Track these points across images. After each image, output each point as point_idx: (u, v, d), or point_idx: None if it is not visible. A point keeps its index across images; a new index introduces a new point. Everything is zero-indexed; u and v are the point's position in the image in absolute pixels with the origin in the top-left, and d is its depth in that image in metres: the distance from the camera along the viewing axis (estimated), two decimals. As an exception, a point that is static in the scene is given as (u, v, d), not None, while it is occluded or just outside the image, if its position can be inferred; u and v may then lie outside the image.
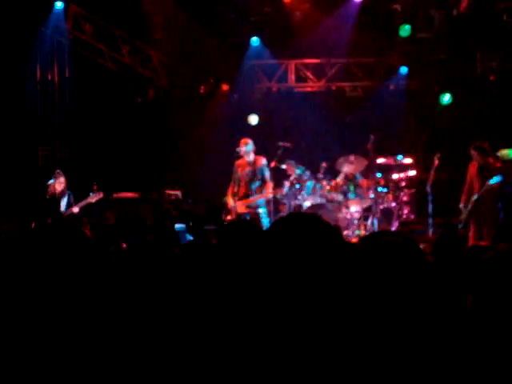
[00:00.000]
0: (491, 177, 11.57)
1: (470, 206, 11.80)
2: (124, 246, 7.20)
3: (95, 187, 12.51)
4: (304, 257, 2.50)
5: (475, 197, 11.69)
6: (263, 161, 12.86)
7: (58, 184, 12.58)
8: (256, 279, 2.67)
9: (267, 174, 12.83)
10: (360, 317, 2.68)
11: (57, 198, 12.55)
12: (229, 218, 12.71)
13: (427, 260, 3.69)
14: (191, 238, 13.41)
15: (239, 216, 12.61)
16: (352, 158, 14.12)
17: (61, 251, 3.06)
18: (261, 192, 12.81)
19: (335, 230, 2.69)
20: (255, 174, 12.78)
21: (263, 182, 12.78)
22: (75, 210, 12.42)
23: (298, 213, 3.32)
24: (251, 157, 12.83)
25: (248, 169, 12.76)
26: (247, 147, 12.82)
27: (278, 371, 2.47)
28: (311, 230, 2.57)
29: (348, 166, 14.15)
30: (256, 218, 12.41)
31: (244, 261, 3.45)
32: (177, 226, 13.73)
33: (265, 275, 2.57)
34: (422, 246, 8.69)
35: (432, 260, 4.14)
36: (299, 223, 2.61)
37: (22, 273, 3.05)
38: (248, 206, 12.74)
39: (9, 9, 13.53)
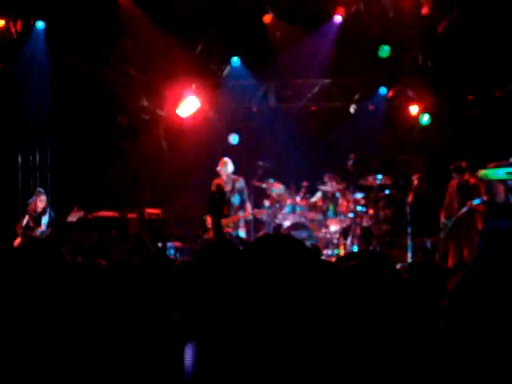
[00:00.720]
0: (470, 195, 11.74)
1: (450, 224, 11.93)
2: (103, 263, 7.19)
3: (76, 207, 12.51)
4: (279, 278, 2.51)
5: (457, 215, 11.82)
6: (241, 181, 12.95)
7: (39, 202, 12.57)
8: (232, 299, 2.68)
9: (245, 194, 12.91)
10: (336, 334, 2.70)
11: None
12: (206, 236, 12.74)
13: (401, 279, 3.71)
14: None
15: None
16: (331, 177, 14.19)
17: (38, 270, 3.07)
18: (239, 212, 12.87)
19: (311, 251, 2.71)
20: (233, 193, 12.84)
21: (241, 202, 12.84)
22: (47, 231, 12.38)
23: (272, 234, 3.33)
24: (230, 177, 12.91)
25: (227, 189, 12.83)
26: (226, 167, 12.89)
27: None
28: (286, 251, 2.58)
29: (327, 186, 14.22)
30: (232, 238, 12.46)
31: (220, 281, 3.46)
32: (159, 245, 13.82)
33: (241, 296, 2.59)
34: (399, 266, 8.75)
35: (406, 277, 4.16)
36: (275, 245, 2.63)
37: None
38: (227, 226, 12.77)
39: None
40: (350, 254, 3.73)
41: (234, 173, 13.13)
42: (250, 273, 2.56)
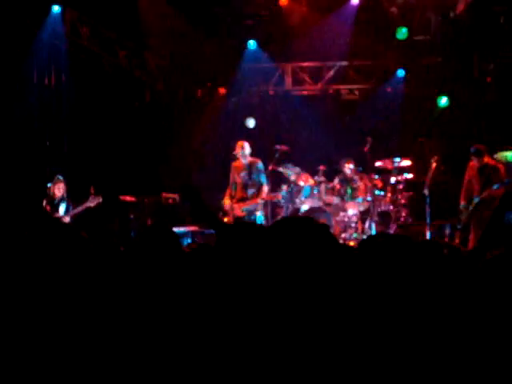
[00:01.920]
0: (490, 178, 11.68)
1: (471, 208, 11.87)
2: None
3: (92, 191, 12.49)
4: (299, 259, 2.49)
5: (476, 199, 11.77)
6: (259, 163, 12.92)
7: (57, 189, 12.55)
8: (253, 282, 2.66)
9: (263, 177, 12.88)
10: (356, 317, 2.67)
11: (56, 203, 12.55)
12: (226, 220, 12.73)
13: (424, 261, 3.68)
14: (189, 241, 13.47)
15: (237, 218, 12.65)
16: (349, 160, 14.15)
17: (59, 252, 3.06)
18: (257, 195, 12.86)
19: (330, 233, 2.68)
20: (251, 177, 12.82)
21: (259, 185, 12.82)
22: (66, 219, 12.39)
23: (293, 217, 3.30)
24: (247, 159, 12.88)
25: (244, 172, 12.83)
26: (243, 150, 12.87)
27: (277, 371, 2.46)
28: (306, 233, 2.56)
29: (346, 169, 14.17)
30: (252, 221, 12.45)
31: (242, 263, 3.44)
32: (175, 229, 13.82)
33: (262, 278, 2.56)
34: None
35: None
36: (295, 227, 2.60)
37: (19, 273, 3.04)
38: (244, 210, 12.78)
39: (5, 13, 13.50)
40: (371, 237, 3.68)
41: (251, 155, 13.10)
42: (271, 254, 2.54)
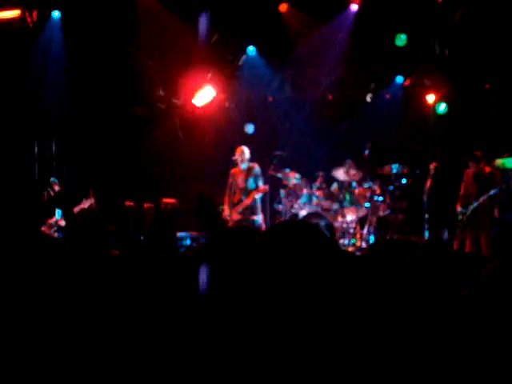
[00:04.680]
0: (486, 184, 11.76)
1: (468, 213, 11.92)
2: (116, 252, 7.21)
3: (91, 193, 12.51)
4: (297, 264, 2.50)
5: (474, 204, 11.82)
6: (256, 168, 12.96)
7: (53, 193, 12.58)
8: (250, 286, 2.67)
9: (260, 180, 12.92)
10: (355, 323, 2.69)
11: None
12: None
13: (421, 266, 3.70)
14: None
15: (236, 223, 12.68)
16: (348, 166, 14.18)
17: (35, 260, 3.08)
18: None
19: (330, 238, 2.70)
20: (249, 181, 12.86)
21: (256, 187, 12.87)
22: (62, 223, 12.40)
23: (291, 220, 3.31)
24: (246, 165, 12.93)
25: (242, 177, 12.87)
26: (243, 156, 12.91)
27: (271, 379, 2.48)
28: (305, 237, 2.57)
29: (344, 175, 14.20)
30: (249, 225, 12.46)
31: (239, 267, 3.46)
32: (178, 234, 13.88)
33: (259, 282, 2.58)
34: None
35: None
36: (293, 231, 2.62)
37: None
38: (241, 212, 12.81)
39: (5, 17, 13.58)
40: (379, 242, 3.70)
41: (250, 161, 13.14)
42: (267, 258, 2.55)
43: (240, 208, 12.87)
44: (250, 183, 12.92)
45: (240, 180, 12.92)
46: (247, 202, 12.91)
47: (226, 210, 12.99)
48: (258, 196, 13.07)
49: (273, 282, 2.55)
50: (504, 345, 2.74)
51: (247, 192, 12.93)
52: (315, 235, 2.62)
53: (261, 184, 12.99)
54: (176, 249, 8.27)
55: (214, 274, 3.42)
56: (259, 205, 13.16)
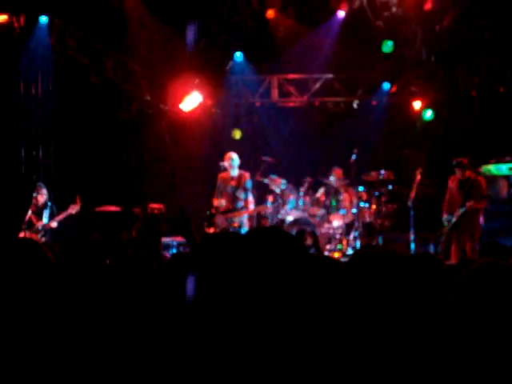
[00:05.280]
0: (471, 191, 11.79)
1: (453, 220, 11.97)
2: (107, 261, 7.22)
3: (78, 198, 12.51)
4: (270, 270, 2.52)
5: (461, 211, 11.86)
6: (248, 180, 12.88)
7: (40, 196, 12.61)
8: (228, 290, 2.70)
9: (250, 191, 12.87)
10: (331, 330, 2.71)
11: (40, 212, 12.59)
12: (211, 230, 12.72)
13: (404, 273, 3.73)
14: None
15: (222, 230, 12.62)
16: (335, 172, 14.22)
17: (18, 269, 3.08)
18: (243, 208, 12.84)
19: (299, 243, 2.71)
20: (239, 189, 12.81)
21: (246, 197, 12.81)
22: (53, 224, 12.44)
23: (260, 228, 3.35)
24: (236, 171, 12.87)
25: (232, 184, 12.79)
26: (231, 162, 12.86)
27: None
28: (272, 243, 2.59)
29: (331, 181, 14.23)
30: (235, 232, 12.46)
31: (216, 271, 3.48)
32: (164, 239, 13.86)
33: (235, 286, 2.60)
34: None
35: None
36: (261, 237, 2.63)
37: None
38: (229, 221, 12.77)
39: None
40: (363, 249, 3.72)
41: (239, 167, 13.09)
42: (240, 264, 2.57)
43: (231, 216, 12.81)
44: (241, 194, 12.85)
45: (230, 187, 12.83)
46: (239, 214, 12.85)
47: (218, 204, 12.85)
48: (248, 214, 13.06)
49: (248, 287, 2.56)
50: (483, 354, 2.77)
51: (238, 201, 12.85)
52: (284, 241, 2.63)
53: (250, 198, 12.91)
54: (159, 255, 8.25)
55: (197, 280, 3.45)
56: (247, 220, 13.10)
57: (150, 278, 3.24)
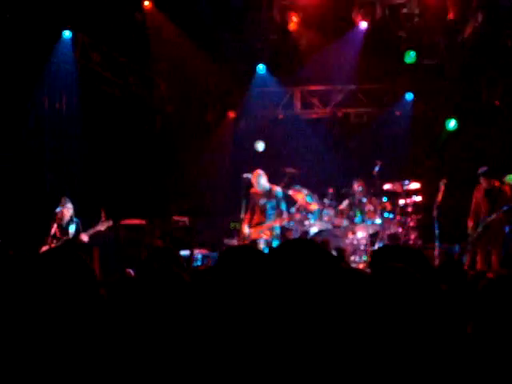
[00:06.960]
0: (497, 200, 11.75)
1: (479, 230, 11.92)
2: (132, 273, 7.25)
3: (103, 214, 12.55)
4: (299, 282, 2.52)
5: (486, 220, 11.81)
6: (279, 191, 12.98)
7: (66, 210, 12.62)
8: (256, 303, 2.70)
9: (283, 204, 12.96)
10: (360, 341, 2.71)
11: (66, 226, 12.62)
12: (239, 242, 12.81)
13: (436, 287, 3.71)
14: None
15: (253, 242, 12.71)
16: (359, 183, 14.18)
17: (61, 279, 3.11)
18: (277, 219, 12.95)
19: (333, 256, 2.72)
20: (271, 203, 12.89)
21: (279, 211, 12.90)
22: (85, 238, 12.47)
23: (294, 239, 3.35)
24: (266, 186, 12.97)
25: (263, 198, 12.89)
26: (258, 179, 12.94)
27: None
28: (307, 256, 2.59)
29: (356, 188, 14.19)
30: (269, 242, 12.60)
31: (244, 285, 3.48)
32: (182, 252, 13.88)
33: (263, 299, 2.60)
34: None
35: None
36: (296, 250, 2.63)
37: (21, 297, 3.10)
38: (259, 233, 12.85)
39: (18, 37, 13.65)
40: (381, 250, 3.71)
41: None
42: (273, 276, 2.57)
43: (261, 229, 12.91)
44: (271, 206, 12.94)
45: (261, 201, 12.94)
46: (271, 224, 12.93)
47: (245, 229, 13.00)
48: (283, 223, 13.14)
49: (275, 299, 2.57)
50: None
51: (269, 214, 12.94)
52: (319, 254, 2.64)
53: (284, 207, 13.01)
54: (186, 268, 8.27)
55: (222, 292, 3.46)
56: (279, 230, 13.18)
57: (181, 291, 3.25)
